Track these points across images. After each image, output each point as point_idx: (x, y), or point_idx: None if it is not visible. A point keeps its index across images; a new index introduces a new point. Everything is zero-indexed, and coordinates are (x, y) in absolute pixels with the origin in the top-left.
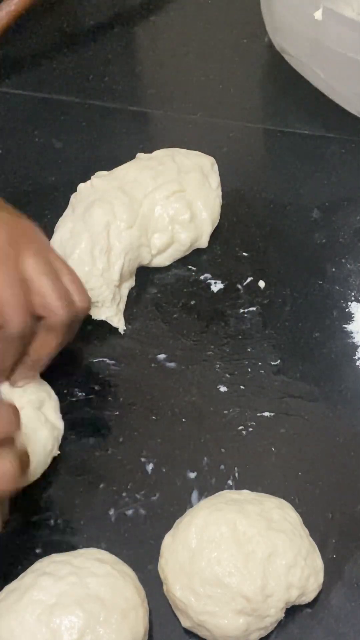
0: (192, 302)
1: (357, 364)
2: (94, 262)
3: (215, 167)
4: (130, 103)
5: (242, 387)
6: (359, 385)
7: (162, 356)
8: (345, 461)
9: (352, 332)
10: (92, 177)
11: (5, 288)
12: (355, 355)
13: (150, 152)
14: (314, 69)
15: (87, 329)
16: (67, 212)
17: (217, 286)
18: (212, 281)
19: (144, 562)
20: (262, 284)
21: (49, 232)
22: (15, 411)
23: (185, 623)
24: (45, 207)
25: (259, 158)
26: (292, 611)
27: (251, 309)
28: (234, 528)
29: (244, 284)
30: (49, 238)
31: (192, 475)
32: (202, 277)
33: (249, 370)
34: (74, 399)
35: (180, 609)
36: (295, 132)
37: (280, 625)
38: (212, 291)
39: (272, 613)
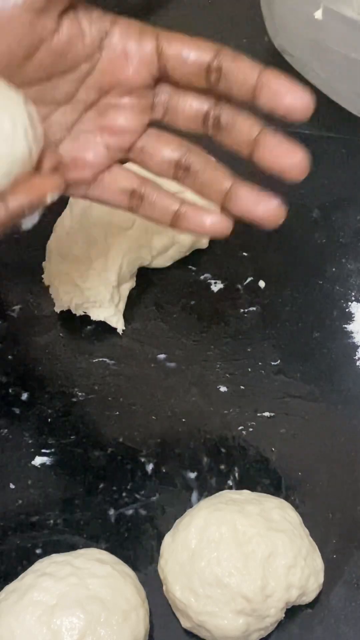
0: (192, 302)
1: (357, 364)
2: (90, 263)
3: None
4: None
5: (242, 387)
6: (359, 385)
7: (162, 356)
8: (345, 461)
9: (352, 332)
10: None
11: None
12: (355, 355)
13: None
14: (314, 69)
15: (87, 329)
16: (66, 212)
17: (217, 286)
18: (212, 281)
19: (144, 562)
20: (262, 284)
21: (48, 232)
22: None
23: (185, 623)
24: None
25: None
26: (292, 611)
27: (251, 309)
28: (234, 528)
29: (244, 284)
30: (47, 238)
31: (192, 475)
32: (202, 277)
33: (249, 370)
34: (74, 399)
35: (180, 609)
36: (295, 132)
37: (281, 625)
38: (212, 291)
39: (272, 613)
